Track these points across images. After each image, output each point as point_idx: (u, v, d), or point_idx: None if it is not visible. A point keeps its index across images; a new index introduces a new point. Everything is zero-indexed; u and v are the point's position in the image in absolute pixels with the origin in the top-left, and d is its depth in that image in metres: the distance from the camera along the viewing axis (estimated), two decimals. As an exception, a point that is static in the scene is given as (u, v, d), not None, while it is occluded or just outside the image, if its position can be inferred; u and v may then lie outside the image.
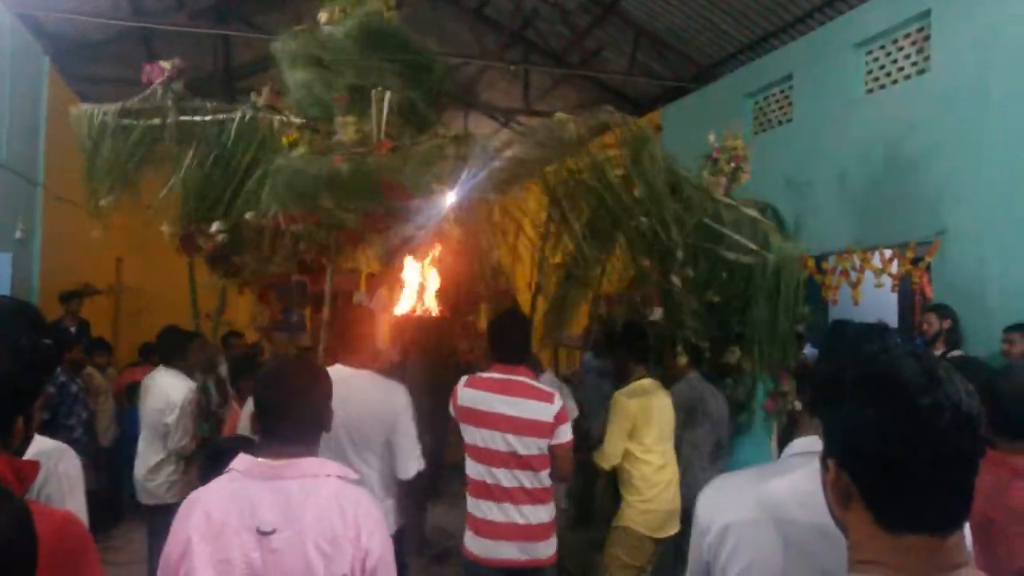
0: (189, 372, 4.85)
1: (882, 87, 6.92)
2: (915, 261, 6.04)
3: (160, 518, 4.21)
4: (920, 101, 6.31)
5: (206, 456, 3.36)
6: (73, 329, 7.33)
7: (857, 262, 6.49)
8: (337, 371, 3.36)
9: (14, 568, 1.22)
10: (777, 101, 8.36)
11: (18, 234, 7.50)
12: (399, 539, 3.42)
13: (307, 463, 1.90)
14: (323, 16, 4.49)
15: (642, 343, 4.30)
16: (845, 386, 1.10)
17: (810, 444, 1.49)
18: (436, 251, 5.02)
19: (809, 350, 5.15)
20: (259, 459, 1.91)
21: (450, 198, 3.91)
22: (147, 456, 4.67)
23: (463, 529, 3.55)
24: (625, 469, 4.08)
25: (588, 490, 5.77)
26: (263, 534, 1.80)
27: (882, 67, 6.94)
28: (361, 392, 3.33)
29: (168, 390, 4.65)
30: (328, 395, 2.08)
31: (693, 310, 4.40)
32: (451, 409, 3.54)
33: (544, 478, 3.38)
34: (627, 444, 4.04)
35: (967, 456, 1.01)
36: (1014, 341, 4.89)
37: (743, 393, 4.74)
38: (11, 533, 1.22)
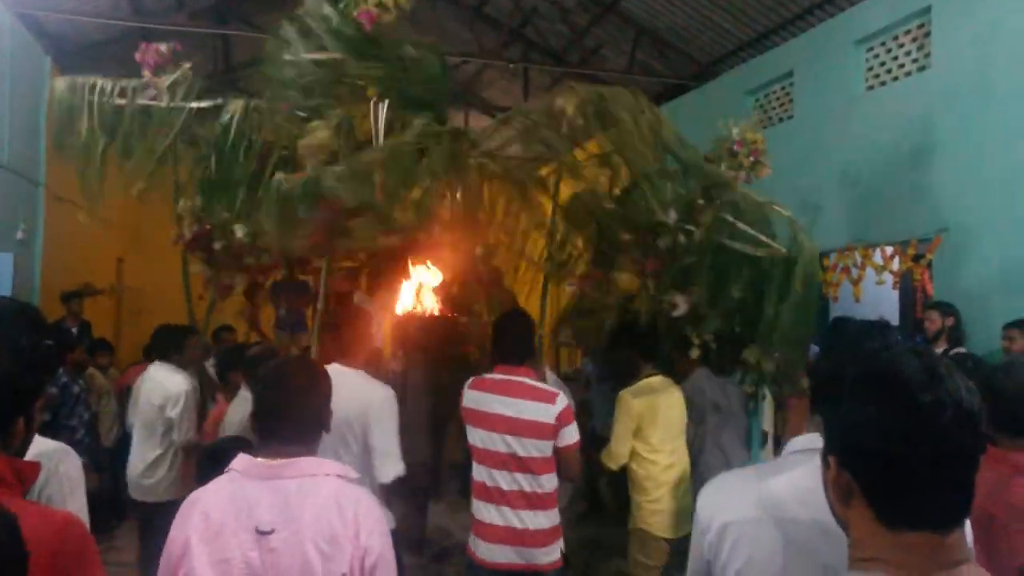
0: (184, 367, 4.81)
1: (883, 84, 6.92)
2: (916, 258, 6.04)
3: (156, 516, 4.18)
4: (921, 98, 6.30)
5: (204, 456, 3.35)
6: (75, 330, 7.34)
7: (858, 259, 6.49)
8: (331, 370, 3.37)
9: (3, 573, 1.21)
10: (778, 98, 8.36)
11: (20, 234, 7.51)
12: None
13: (306, 463, 1.90)
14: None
15: (649, 341, 4.26)
16: (846, 383, 1.10)
17: (810, 441, 1.49)
18: (433, 252, 5.02)
19: (811, 348, 5.14)
20: (258, 459, 1.92)
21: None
22: (144, 453, 4.62)
23: (463, 529, 3.55)
24: (632, 469, 4.03)
25: (591, 487, 5.78)
26: (262, 534, 1.80)
27: (883, 64, 6.94)
28: (342, 389, 3.32)
29: (166, 384, 4.61)
30: (327, 395, 2.08)
31: (718, 307, 4.36)
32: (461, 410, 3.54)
33: (544, 482, 3.31)
34: (633, 443, 3.99)
35: (968, 453, 1.01)
36: (1014, 338, 4.88)
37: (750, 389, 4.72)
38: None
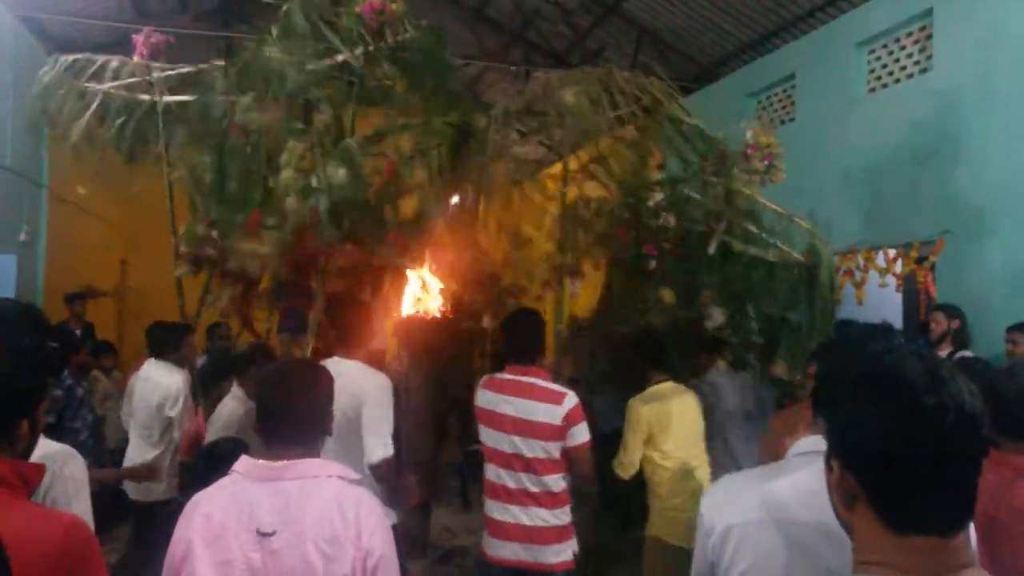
0: (181, 364, 4.78)
1: (884, 86, 6.91)
2: (919, 261, 6.03)
3: (155, 515, 4.14)
4: (923, 100, 6.29)
5: (199, 456, 3.35)
6: (78, 331, 7.35)
7: (861, 262, 6.48)
8: (330, 362, 3.39)
9: None
10: (780, 100, 8.36)
11: (23, 236, 7.53)
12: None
13: (307, 464, 1.91)
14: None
15: (658, 348, 4.23)
16: (848, 386, 1.10)
17: (814, 444, 1.49)
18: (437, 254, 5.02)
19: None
20: (260, 461, 1.92)
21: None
22: (143, 451, 4.57)
23: (467, 531, 3.55)
24: (648, 476, 3.99)
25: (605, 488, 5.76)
26: (263, 535, 1.81)
27: (884, 66, 6.93)
28: (338, 380, 3.32)
29: (164, 383, 4.58)
30: (329, 397, 2.08)
31: (750, 316, 4.35)
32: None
33: (551, 483, 3.30)
34: (646, 451, 3.94)
35: (971, 456, 1.01)
36: (1018, 341, 4.87)
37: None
38: None
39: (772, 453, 3.13)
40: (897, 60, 6.78)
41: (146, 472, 4.13)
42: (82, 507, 1.94)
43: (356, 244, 4.14)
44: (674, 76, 10.19)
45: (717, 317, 4.41)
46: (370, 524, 1.85)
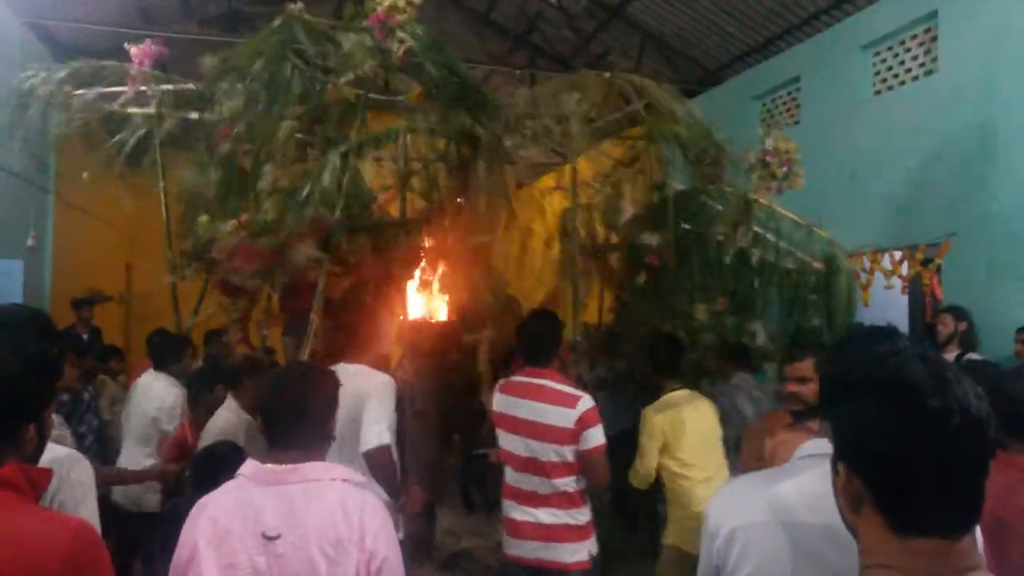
0: (180, 376, 4.72)
1: (890, 88, 6.91)
2: (925, 262, 6.02)
3: (145, 528, 4.04)
4: (928, 102, 6.29)
5: (197, 459, 3.36)
6: (86, 336, 7.37)
7: (867, 264, 6.47)
8: (337, 368, 3.39)
9: None
10: (785, 103, 8.35)
11: (30, 241, 7.56)
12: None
13: (311, 468, 1.92)
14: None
15: (672, 356, 4.18)
16: (854, 389, 1.10)
17: (819, 447, 1.48)
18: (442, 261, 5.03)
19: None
20: (265, 465, 1.93)
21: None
22: (135, 460, 4.50)
23: (472, 534, 3.56)
24: (666, 485, 3.95)
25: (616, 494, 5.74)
26: (268, 539, 1.81)
27: (889, 68, 6.92)
28: (344, 382, 3.34)
29: (162, 395, 4.54)
30: (332, 401, 2.08)
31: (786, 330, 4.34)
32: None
33: (563, 485, 3.28)
34: (663, 460, 3.89)
35: (977, 459, 1.01)
36: None
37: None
38: None
39: (752, 454, 3.13)
40: (902, 62, 6.77)
41: (159, 477, 4.11)
42: (89, 511, 1.95)
43: (353, 250, 4.15)
44: (679, 79, 10.24)
45: (760, 333, 4.38)
46: (374, 527, 1.85)
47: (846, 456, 1.09)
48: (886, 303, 6.29)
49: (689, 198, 4.67)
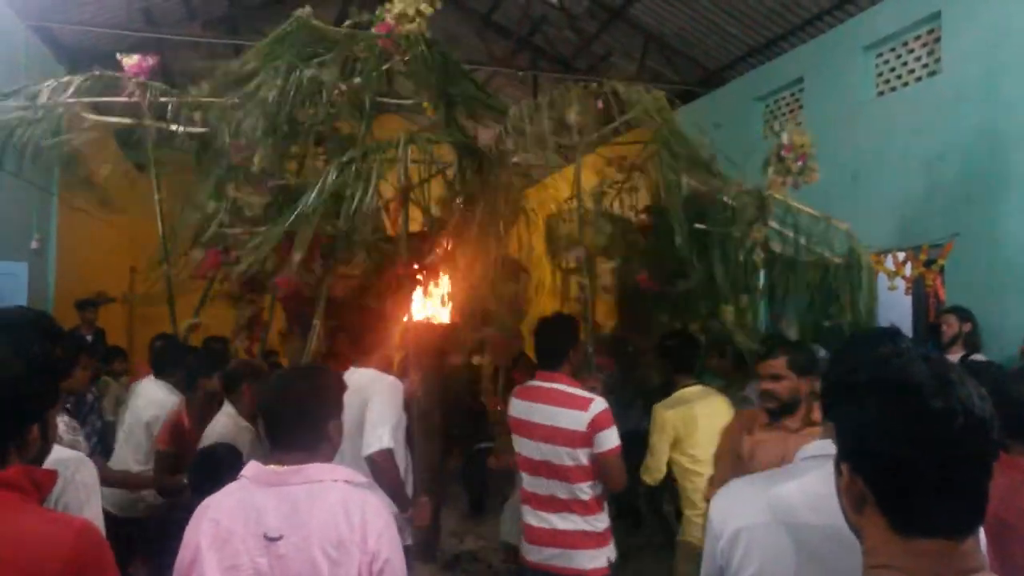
0: (178, 385, 4.63)
1: (893, 89, 6.90)
2: (928, 263, 6.01)
3: (134, 533, 4.01)
4: (931, 103, 6.28)
5: (195, 461, 3.37)
6: (90, 338, 7.40)
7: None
8: (348, 374, 3.41)
9: None
10: (787, 104, 8.34)
11: (34, 244, 7.59)
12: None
13: (313, 469, 1.92)
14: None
15: (684, 353, 4.17)
16: (857, 389, 1.10)
17: (822, 447, 1.48)
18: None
19: (822, 353, 5.12)
20: (267, 466, 1.93)
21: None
22: (126, 464, 4.45)
23: (475, 536, 3.56)
24: (678, 482, 3.94)
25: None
26: (270, 540, 1.82)
27: (892, 69, 6.92)
28: (351, 385, 3.35)
29: (159, 403, 4.48)
30: (331, 402, 2.08)
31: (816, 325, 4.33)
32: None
33: (580, 490, 3.27)
34: (674, 455, 3.87)
35: (980, 460, 1.01)
36: None
37: None
38: None
39: (729, 452, 3.13)
40: (905, 63, 6.77)
41: (160, 487, 4.10)
42: (93, 512, 1.96)
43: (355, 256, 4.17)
44: (681, 81, 10.26)
45: (792, 332, 4.36)
46: (376, 527, 1.85)
47: (849, 457, 1.09)
48: (889, 304, 6.27)
49: (700, 198, 4.65)
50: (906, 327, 6.42)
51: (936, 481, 1.00)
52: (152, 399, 4.54)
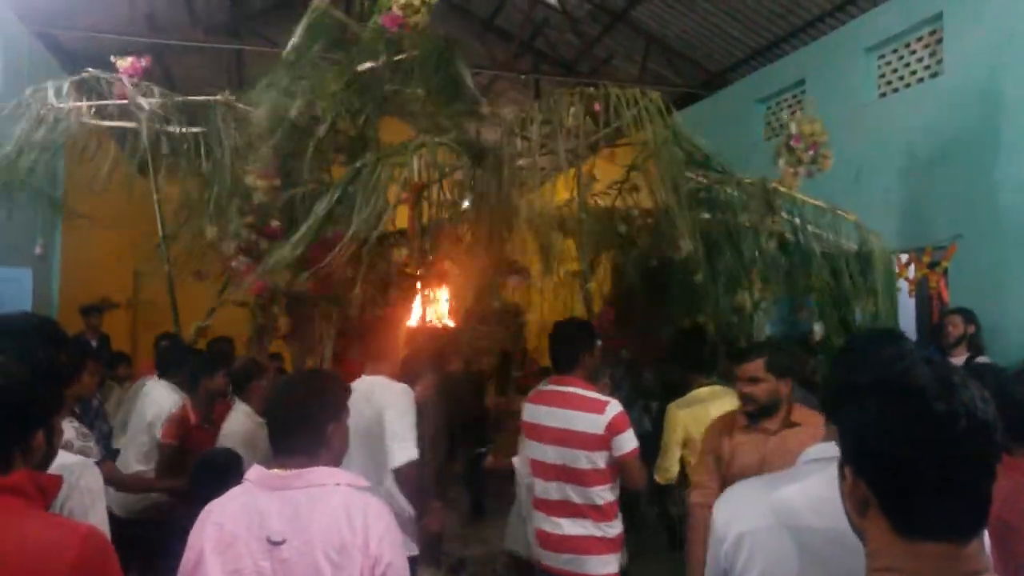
0: (182, 385, 4.61)
1: (895, 91, 6.90)
2: (932, 265, 6.00)
3: (131, 534, 4.04)
4: (933, 104, 6.28)
5: (197, 466, 3.37)
6: (94, 343, 7.41)
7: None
8: (356, 383, 3.41)
9: None
10: (789, 106, 8.34)
11: (38, 250, 7.59)
12: (411, 563, 3.41)
13: (316, 473, 1.93)
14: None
15: (698, 353, 4.14)
16: (860, 392, 1.10)
17: (825, 450, 1.49)
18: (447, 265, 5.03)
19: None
20: (271, 470, 1.94)
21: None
22: (128, 464, 4.46)
23: (479, 541, 3.55)
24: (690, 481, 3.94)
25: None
26: (273, 544, 1.83)
27: (894, 71, 6.92)
28: (363, 397, 3.36)
29: (160, 402, 4.47)
30: (336, 408, 2.08)
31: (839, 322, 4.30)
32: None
33: (596, 494, 3.26)
34: (686, 455, 3.85)
35: (983, 462, 1.01)
36: None
37: None
38: None
39: (710, 453, 3.11)
40: (907, 65, 6.77)
41: (168, 490, 4.10)
42: (98, 517, 1.96)
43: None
44: (683, 83, 10.27)
45: (818, 331, 4.32)
46: (378, 531, 1.86)
47: (853, 460, 1.09)
48: (893, 306, 6.27)
49: (705, 192, 4.64)
50: (910, 329, 6.41)
51: (939, 484, 1.00)
52: (155, 398, 4.55)
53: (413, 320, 5.58)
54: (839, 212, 4.47)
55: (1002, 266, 5.56)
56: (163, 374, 4.75)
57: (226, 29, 10.00)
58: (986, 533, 1.20)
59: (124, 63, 4.78)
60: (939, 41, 6.37)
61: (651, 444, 4.02)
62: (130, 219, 5.51)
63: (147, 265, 5.69)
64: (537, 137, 4.41)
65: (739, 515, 1.54)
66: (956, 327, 5.20)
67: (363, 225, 3.92)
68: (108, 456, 5.38)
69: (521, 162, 4.40)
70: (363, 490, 1.96)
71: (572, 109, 4.47)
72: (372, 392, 3.36)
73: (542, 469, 3.36)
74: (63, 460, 1.91)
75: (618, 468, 3.28)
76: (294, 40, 4.63)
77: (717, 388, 3.99)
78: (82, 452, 2.81)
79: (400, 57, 4.51)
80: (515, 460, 3.85)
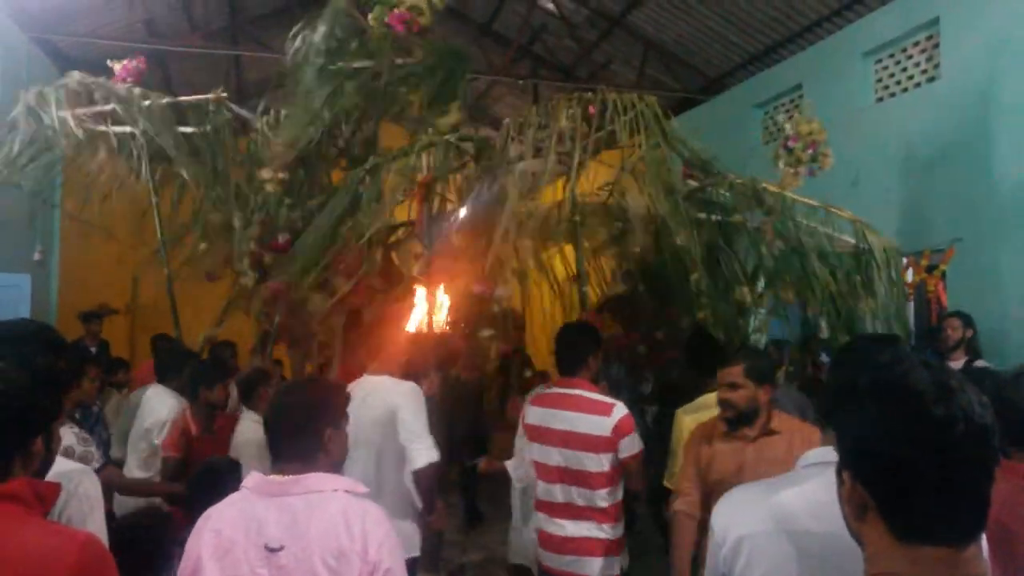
0: (182, 390, 4.59)
1: (892, 95, 6.92)
2: (930, 269, 6.01)
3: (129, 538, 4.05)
4: (930, 109, 6.29)
5: (197, 474, 3.37)
6: (94, 349, 7.41)
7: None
8: (359, 382, 3.42)
9: None
10: (787, 111, 8.35)
11: (36, 255, 7.60)
12: (412, 565, 3.42)
13: (314, 479, 1.92)
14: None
15: (709, 357, 4.07)
16: (858, 396, 1.10)
17: (823, 455, 1.49)
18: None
19: (825, 359, 5.10)
20: (268, 476, 1.94)
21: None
22: (130, 469, 4.44)
23: (478, 547, 3.54)
24: None
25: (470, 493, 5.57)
26: (271, 551, 1.82)
27: (891, 75, 6.94)
28: (369, 398, 3.38)
29: (158, 408, 4.46)
30: (333, 414, 2.08)
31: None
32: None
33: (600, 497, 3.27)
34: None
35: (981, 466, 1.01)
36: None
37: None
38: None
39: (691, 462, 3.09)
40: (904, 69, 6.78)
41: (169, 496, 4.09)
42: (97, 525, 1.96)
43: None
44: (681, 88, 10.28)
45: (824, 327, 4.31)
46: (377, 537, 1.85)
47: (850, 464, 1.10)
48: (891, 309, 6.28)
49: (700, 193, 4.64)
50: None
51: (937, 487, 1.00)
52: (153, 405, 4.54)
53: (413, 325, 5.58)
54: (832, 209, 4.46)
55: (1000, 269, 5.57)
56: (162, 379, 4.74)
57: (224, 35, 10.01)
58: (984, 537, 1.20)
59: (119, 65, 4.79)
60: (936, 46, 6.39)
61: (646, 447, 4.01)
62: (128, 224, 5.51)
63: (146, 270, 5.69)
64: (531, 141, 4.41)
65: (738, 519, 1.54)
66: (955, 330, 5.20)
67: (382, 223, 3.94)
68: (109, 462, 5.38)
69: (521, 165, 4.40)
70: (361, 496, 1.95)
71: (570, 111, 4.47)
72: (380, 388, 3.41)
73: (546, 471, 3.36)
74: (61, 467, 1.91)
75: (621, 470, 3.30)
76: (315, 43, 4.60)
77: None
78: (83, 457, 2.81)
79: (407, 61, 4.51)
80: (508, 464, 3.85)
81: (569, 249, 5.12)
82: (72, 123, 4.80)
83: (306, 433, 2.00)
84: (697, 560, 2.87)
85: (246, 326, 5.51)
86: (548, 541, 3.36)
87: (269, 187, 4.32)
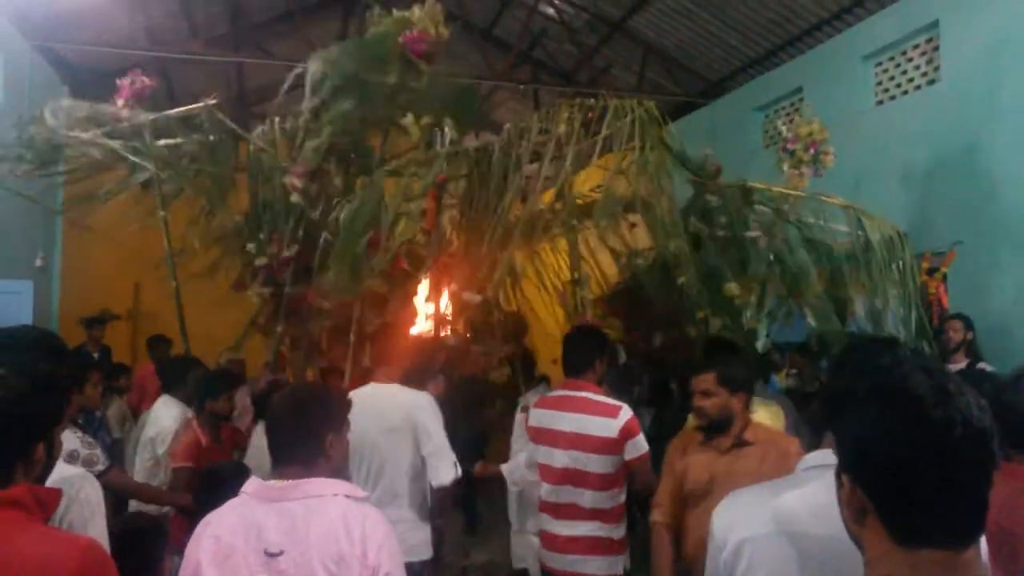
0: (188, 400, 4.54)
1: (892, 98, 6.92)
2: (931, 272, 6.00)
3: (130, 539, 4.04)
4: (930, 112, 6.30)
5: (201, 479, 3.37)
6: (96, 355, 7.42)
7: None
8: (365, 389, 3.43)
9: None
10: (787, 114, 8.36)
11: (38, 262, 7.62)
12: (420, 570, 3.45)
13: (313, 484, 1.92)
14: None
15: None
16: (857, 400, 1.11)
17: (824, 457, 1.49)
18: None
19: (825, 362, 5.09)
20: (268, 481, 1.94)
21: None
22: (140, 479, 4.36)
23: (482, 551, 3.55)
24: None
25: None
26: (270, 556, 1.82)
27: (891, 78, 6.95)
28: (381, 404, 3.41)
29: (162, 418, 4.45)
30: (333, 420, 2.08)
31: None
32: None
33: (603, 498, 3.28)
34: None
35: (980, 469, 1.01)
36: None
37: None
38: None
39: (668, 469, 3.07)
40: (904, 72, 6.79)
41: (176, 504, 4.09)
42: (98, 530, 1.96)
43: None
44: (681, 92, 10.30)
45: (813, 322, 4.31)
46: (376, 540, 1.85)
47: (850, 467, 1.10)
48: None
49: (695, 198, 4.65)
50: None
51: (936, 491, 1.00)
52: (157, 416, 4.54)
53: (417, 330, 5.58)
54: (822, 198, 4.44)
55: (1001, 271, 5.57)
56: (168, 389, 4.73)
57: (226, 42, 10.04)
58: (983, 540, 1.20)
59: (127, 82, 4.80)
60: (936, 49, 6.40)
61: None
62: (130, 231, 5.52)
63: (147, 276, 5.69)
64: (529, 146, 4.43)
65: (739, 522, 1.54)
66: (957, 332, 5.20)
67: (407, 229, 3.96)
68: (112, 465, 5.36)
69: (526, 170, 4.42)
70: (361, 500, 1.96)
71: (567, 115, 4.48)
72: (395, 398, 3.48)
73: (550, 473, 3.37)
74: (63, 473, 1.92)
75: (626, 472, 3.32)
76: (344, 53, 4.60)
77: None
78: (88, 460, 2.82)
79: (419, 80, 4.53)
80: (503, 468, 3.85)
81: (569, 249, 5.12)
82: (80, 137, 4.81)
83: (307, 438, 2.00)
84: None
85: (256, 338, 5.53)
86: (552, 542, 3.37)
87: (294, 198, 4.30)
